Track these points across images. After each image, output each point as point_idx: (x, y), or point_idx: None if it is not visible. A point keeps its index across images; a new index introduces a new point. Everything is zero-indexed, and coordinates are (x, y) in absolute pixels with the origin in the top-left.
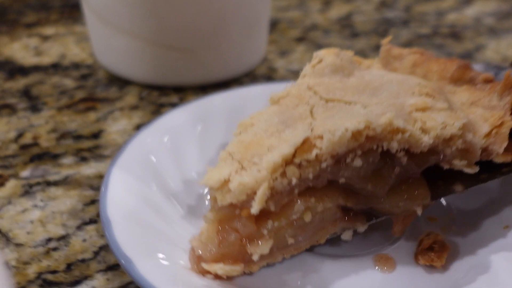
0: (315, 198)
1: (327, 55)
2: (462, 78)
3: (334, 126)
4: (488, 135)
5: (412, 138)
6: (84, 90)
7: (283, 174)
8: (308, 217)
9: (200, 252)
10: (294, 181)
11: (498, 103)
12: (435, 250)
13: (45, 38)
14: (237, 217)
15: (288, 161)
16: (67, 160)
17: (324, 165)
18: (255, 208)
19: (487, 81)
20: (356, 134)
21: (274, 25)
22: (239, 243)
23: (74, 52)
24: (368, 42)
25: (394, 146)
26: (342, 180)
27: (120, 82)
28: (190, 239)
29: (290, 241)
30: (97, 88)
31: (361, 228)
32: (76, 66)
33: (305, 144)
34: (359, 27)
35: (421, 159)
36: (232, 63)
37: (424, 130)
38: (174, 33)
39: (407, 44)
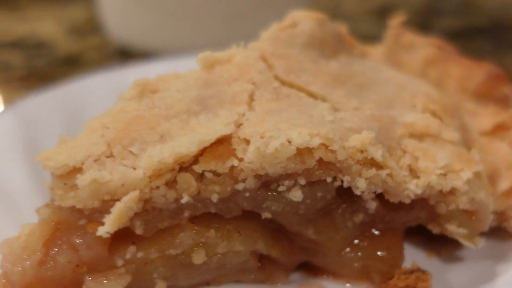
0: (217, 232)
1: (305, 20)
2: (490, 94)
3: (273, 131)
4: (509, 193)
5: (392, 180)
6: None
7: (171, 183)
8: (199, 258)
9: (9, 270)
10: (186, 198)
11: None
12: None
13: None
14: (80, 229)
15: (184, 166)
16: None
17: (240, 186)
18: (105, 228)
19: None
20: (303, 152)
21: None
22: (72, 270)
23: None
24: None
25: (361, 185)
26: (266, 215)
27: None
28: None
29: (160, 285)
30: None
31: (281, 283)
32: None
33: (221, 147)
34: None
35: (399, 211)
36: None
37: (413, 172)
38: None
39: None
